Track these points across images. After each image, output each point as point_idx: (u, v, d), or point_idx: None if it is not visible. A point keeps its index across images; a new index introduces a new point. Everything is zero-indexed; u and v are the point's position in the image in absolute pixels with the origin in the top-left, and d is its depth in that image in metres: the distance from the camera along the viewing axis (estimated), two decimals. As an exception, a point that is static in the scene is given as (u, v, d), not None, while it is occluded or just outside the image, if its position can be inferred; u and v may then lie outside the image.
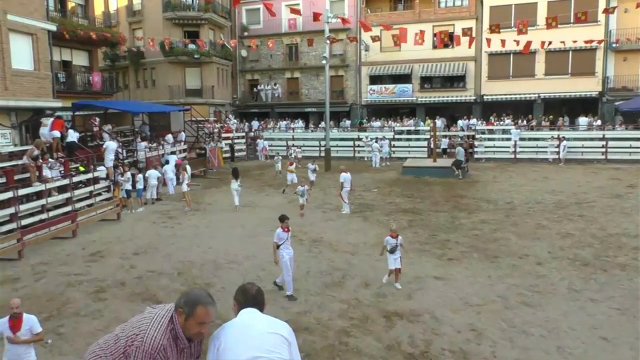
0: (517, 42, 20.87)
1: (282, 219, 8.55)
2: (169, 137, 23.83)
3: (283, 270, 8.43)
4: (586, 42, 22.33)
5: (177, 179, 17.99)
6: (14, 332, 5.25)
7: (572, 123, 28.60)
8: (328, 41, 23.84)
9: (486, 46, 25.25)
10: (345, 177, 14.94)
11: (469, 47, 21.27)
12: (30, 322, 5.35)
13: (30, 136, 17.32)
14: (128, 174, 16.31)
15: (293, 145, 28.23)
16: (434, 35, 31.06)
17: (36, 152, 13.81)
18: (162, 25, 31.56)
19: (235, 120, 33.33)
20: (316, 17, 18.73)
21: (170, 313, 2.75)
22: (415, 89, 33.90)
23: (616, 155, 24.08)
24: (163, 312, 2.76)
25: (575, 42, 25.76)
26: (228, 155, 27.59)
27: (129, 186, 16.12)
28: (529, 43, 20.13)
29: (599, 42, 24.88)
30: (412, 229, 12.79)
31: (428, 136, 27.26)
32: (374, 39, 24.78)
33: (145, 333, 2.67)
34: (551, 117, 29.73)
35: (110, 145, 17.43)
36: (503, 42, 22.39)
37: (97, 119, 21.77)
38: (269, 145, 29.62)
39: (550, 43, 22.94)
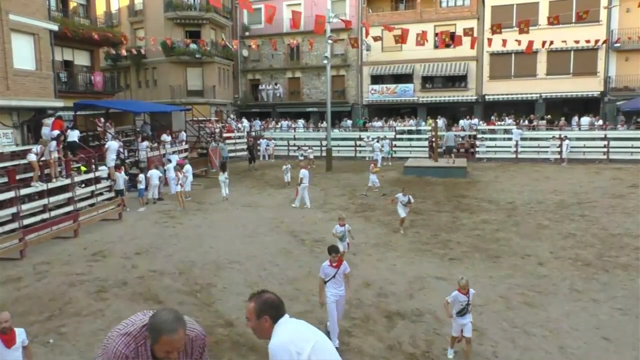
0: (519, 42, 20.87)
1: (331, 251, 6.79)
2: (165, 136, 23.06)
3: (328, 314, 6.73)
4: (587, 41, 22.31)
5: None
6: (9, 346, 5.06)
7: (570, 123, 28.42)
8: (330, 41, 23.84)
9: (488, 46, 25.23)
10: (304, 173, 15.62)
11: (472, 47, 21.25)
12: (23, 335, 5.19)
13: (32, 136, 17.35)
14: (121, 174, 16.39)
15: (304, 146, 27.99)
16: (436, 35, 31.14)
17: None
18: (163, 25, 31.59)
19: (246, 121, 32.45)
20: (319, 27, 18.65)
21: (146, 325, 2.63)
22: (416, 89, 33.89)
23: (618, 155, 24.05)
24: (141, 323, 2.65)
25: (577, 42, 25.70)
26: (231, 155, 27.42)
27: (121, 185, 16.20)
28: (531, 43, 20.12)
29: (596, 42, 24.82)
30: (414, 229, 12.79)
31: (429, 135, 27.14)
32: (376, 38, 24.78)
33: (113, 340, 2.63)
34: (549, 117, 29.71)
35: (112, 145, 17.45)
36: (505, 42, 22.36)
37: (102, 120, 21.83)
38: (275, 145, 29.47)
39: (552, 43, 22.93)
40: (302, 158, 25.49)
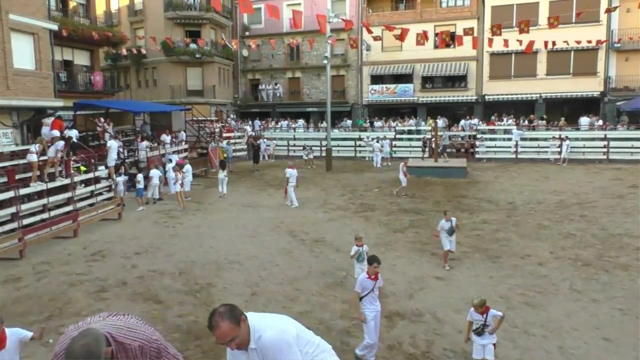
0: (520, 42, 20.85)
1: (372, 260, 6.28)
2: (164, 136, 22.90)
3: (365, 332, 6.22)
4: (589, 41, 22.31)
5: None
6: None
7: (577, 123, 28.36)
8: (330, 42, 23.84)
9: (488, 46, 25.19)
10: (291, 172, 15.80)
11: (474, 47, 21.21)
12: (17, 335, 4.98)
13: (32, 136, 17.33)
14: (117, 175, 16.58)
15: (308, 146, 27.87)
16: (436, 35, 31.15)
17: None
18: (163, 24, 31.57)
19: (249, 128, 31.54)
20: (322, 27, 18.65)
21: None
22: (416, 89, 33.89)
23: (618, 155, 24.06)
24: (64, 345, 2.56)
25: (579, 42, 25.67)
26: (229, 155, 27.43)
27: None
28: (531, 43, 20.09)
29: (598, 42, 24.85)
30: (414, 229, 12.79)
31: (429, 136, 27.04)
32: (375, 38, 24.71)
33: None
34: (545, 117, 29.72)
35: (113, 144, 17.43)
36: (506, 42, 22.27)
37: (102, 120, 21.82)
38: (275, 145, 29.31)
39: (554, 43, 22.85)
40: (307, 158, 25.49)
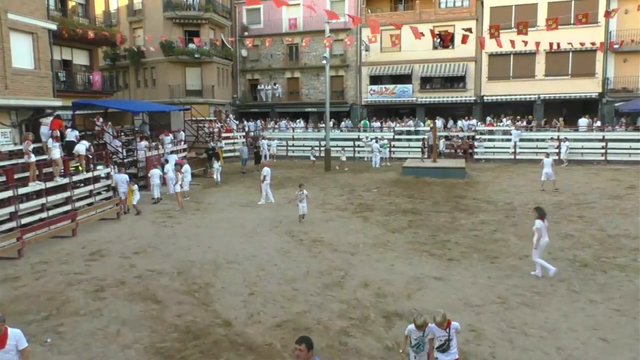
0: (526, 43, 20.86)
1: None
2: (164, 136, 22.64)
3: None
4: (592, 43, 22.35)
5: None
6: None
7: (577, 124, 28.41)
8: (327, 43, 23.87)
9: (496, 45, 25.04)
10: (266, 170, 16.48)
11: (482, 48, 21.23)
12: (16, 337, 4.96)
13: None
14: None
15: (315, 147, 27.49)
16: (437, 35, 31.17)
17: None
18: (162, 24, 31.58)
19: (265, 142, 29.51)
20: (331, 15, 18.64)
21: None
22: (415, 90, 33.91)
23: (616, 156, 24.10)
24: None
25: (582, 44, 25.73)
26: (230, 155, 27.48)
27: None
28: (537, 44, 20.15)
29: (602, 44, 24.90)
30: (412, 229, 12.80)
31: (426, 136, 26.96)
32: (370, 41, 24.71)
33: None
34: (537, 118, 29.79)
35: (120, 178, 16.27)
36: (513, 42, 22.24)
37: (100, 119, 21.74)
38: (277, 146, 29.04)
39: (559, 45, 22.83)
40: (313, 158, 25.48)
